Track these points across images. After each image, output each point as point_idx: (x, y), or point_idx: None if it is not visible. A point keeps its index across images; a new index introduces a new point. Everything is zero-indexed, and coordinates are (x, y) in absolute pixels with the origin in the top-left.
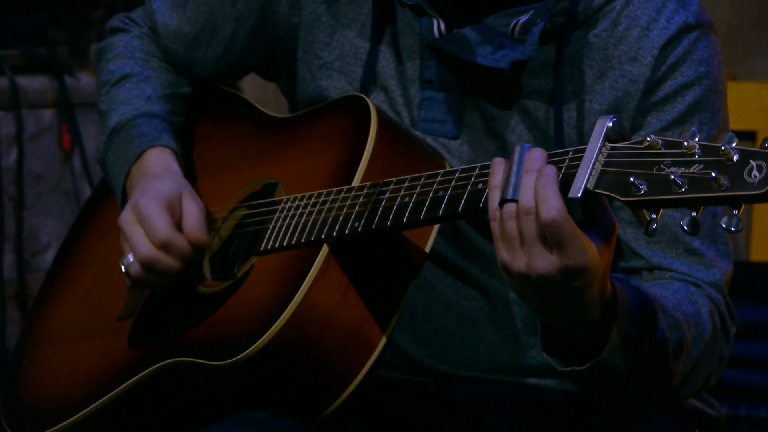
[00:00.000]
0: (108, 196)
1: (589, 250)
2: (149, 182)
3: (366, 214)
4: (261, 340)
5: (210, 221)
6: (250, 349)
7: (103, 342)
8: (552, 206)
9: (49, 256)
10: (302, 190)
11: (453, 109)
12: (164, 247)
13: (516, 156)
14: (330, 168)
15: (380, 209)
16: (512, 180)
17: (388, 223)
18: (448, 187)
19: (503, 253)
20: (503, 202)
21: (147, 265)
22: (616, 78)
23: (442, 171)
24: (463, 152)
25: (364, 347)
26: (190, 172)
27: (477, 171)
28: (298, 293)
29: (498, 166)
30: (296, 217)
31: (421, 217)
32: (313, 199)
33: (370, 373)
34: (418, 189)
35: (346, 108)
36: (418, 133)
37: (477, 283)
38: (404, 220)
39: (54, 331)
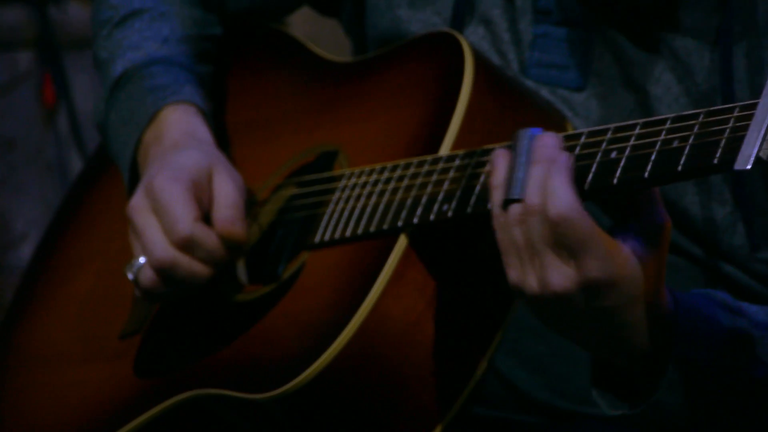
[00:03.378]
0: (107, 171)
1: (618, 257)
2: (169, 154)
3: (459, 193)
4: (315, 365)
5: (248, 205)
6: (300, 377)
7: (101, 368)
8: (561, 199)
9: (25, 251)
10: (371, 162)
11: (577, 51)
12: (187, 246)
13: (522, 144)
14: (409, 131)
15: (478, 186)
16: (518, 174)
17: (490, 206)
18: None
19: (512, 272)
20: (507, 203)
21: (163, 271)
22: None
23: (562, 135)
24: (590, 108)
25: (456, 375)
26: (221, 138)
27: (609, 135)
28: (366, 301)
29: (499, 159)
30: (362, 199)
31: None
32: (385, 174)
33: (463, 411)
34: None
35: (432, 48)
36: (529, 82)
37: None
38: None
39: (36, 352)
